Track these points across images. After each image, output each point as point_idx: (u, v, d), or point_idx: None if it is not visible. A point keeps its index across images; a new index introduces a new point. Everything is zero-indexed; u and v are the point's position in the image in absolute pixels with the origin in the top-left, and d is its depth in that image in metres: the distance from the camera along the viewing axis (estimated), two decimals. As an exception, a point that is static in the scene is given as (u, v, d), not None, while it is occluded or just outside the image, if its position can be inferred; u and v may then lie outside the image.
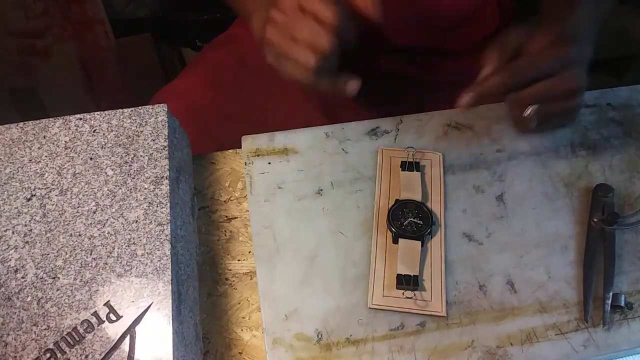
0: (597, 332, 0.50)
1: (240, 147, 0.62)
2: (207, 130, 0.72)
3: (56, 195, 0.50)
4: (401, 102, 0.68)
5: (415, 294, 0.51)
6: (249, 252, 0.56)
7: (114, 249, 0.47)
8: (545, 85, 0.54)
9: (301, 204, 0.57)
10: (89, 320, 0.44)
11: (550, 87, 0.54)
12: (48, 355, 0.43)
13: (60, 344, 0.43)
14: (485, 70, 0.56)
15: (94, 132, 0.54)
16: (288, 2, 0.53)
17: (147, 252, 0.47)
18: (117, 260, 0.47)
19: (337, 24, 0.52)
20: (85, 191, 0.50)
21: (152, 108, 0.55)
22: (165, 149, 0.53)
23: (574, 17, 0.58)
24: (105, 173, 0.51)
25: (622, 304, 0.51)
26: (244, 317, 0.53)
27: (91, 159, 0.52)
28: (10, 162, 0.52)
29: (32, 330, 0.44)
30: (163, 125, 0.54)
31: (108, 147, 0.53)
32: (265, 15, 0.56)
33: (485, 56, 0.57)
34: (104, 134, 0.54)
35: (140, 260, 0.47)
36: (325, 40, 0.51)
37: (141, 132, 0.54)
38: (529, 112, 0.55)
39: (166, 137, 0.53)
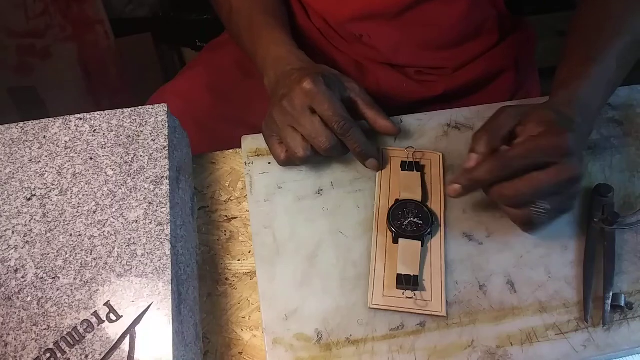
0: (597, 332, 0.50)
1: (239, 147, 0.62)
2: (205, 131, 0.72)
3: (56, 195, 0.50)
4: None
5: (415, 294, 0.51)
6: (249, 252, 0.56)
7: (114, 248, 0.47)
8: (540, 177, 0.48)
9: (301, 204, 0.57)
10: (89, 320, 0.44)
11: (547, 179, 0.48)
12: (48, 355, 0.43)
13: (60, 344, 0.43)
14: (472, 158, 0.51)
15: (94, 132, 0.54)
16: (299, 100, 0.55)
17: (147, 252, 0.47)
18: (117, 260, 0.47)
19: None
20: (85, 191, 0.50)
21: (152, 108, 0.55)
22: (165, 148, 0.53)
23: (578, 95, 0.53)
24: (105, 173, 0.51)
25: (622, 303, 0.51)
26: (244, 317, 0.53)
27: (91, 159, 0.52)
28: (10, 162, 0.52)
29: (32, 330, 0.44)
30: (163, 125, 0.54)
31: (108, 147, 0.53)
32: (276, 92, 0.58)
33: (474, 140, 0.52)
34: (104, 134, 0.54)
35: (140, 260, 0.47)
36: (323, 142, 0.55)
37: (141, 132, 0.54)
38: (536, 211, 0.49)
39: (166, 137, 0.53)
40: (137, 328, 0.44)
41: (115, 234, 0.48)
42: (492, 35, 0.74)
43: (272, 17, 0.67)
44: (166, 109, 0.55)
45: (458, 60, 0.75)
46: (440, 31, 0.72)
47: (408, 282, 0.51)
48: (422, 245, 0.54)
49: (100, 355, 0.43)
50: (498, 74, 0.77)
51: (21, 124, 0.54)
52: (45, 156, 0.52)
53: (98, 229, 0.48)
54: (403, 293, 0.51)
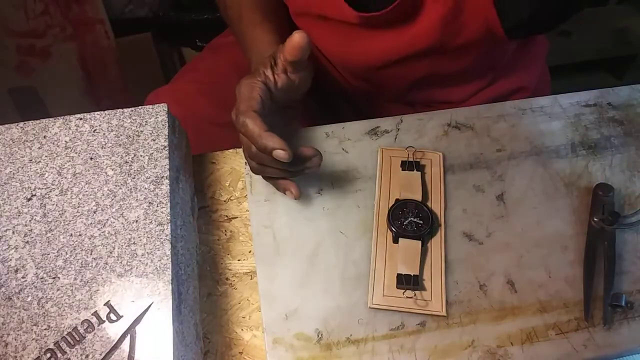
0: (597, 331, 0.50)
1: (239, 147, 0.62)
2: (202, 134, 0.72)
3: (56, 195, 0.50)
4: None
5: (415, 294, 0.51)
6: (249, 251, 0.56)
7: (114, 248, 0.47)
8: None
9: (301, 203, 0.57)
10: (89, 320, 0.44)
11: None
12: (48, 355, 0.43)
13: (61, 344, 0.43)
14: None
15: (94, 132, 0.54)
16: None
17: (147, 252, 0.47)
18: (118, 260, 0.47)
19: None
20: (86, 191, 0.50)
21: (152, 108, 0.55)
22: (165, 148, 0.53)
23: None
24: (106, 173, 0.51)
25: (623, 303, 0.51)
26: (244, 317, 0.53)
27: (91, 158, 0.52)
28: (11, 162, 0.52)
29: (32, 330, 0.44)
30: (163, 125, 0.54)
31: (108, 147, 0.53)
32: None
33: None
34: (104, 134, 0.54)
35: (140, 260, 0.47)
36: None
37: (141, 132, 0.54)
38: None
39: (166, 136, 0.53)
40: (137, 328, 0.44)
41: (115, 234, 0.48)
42: (487, 74, 0.74)
43: (258, 13, 0.66)
44: (166, 109, 0.55)
45: (466, 93, 0.75)
46: (439, 69, 0.71)
47: (408, 282, 0.51)
48: (422, 245, 0.54)
49: (101, 355, 0.43)
50: (514, 92, 0.77)
51: (21, 124, 0.54)
52: (46, 156, 0.52)
53: (98, 229, 0.48)
54: (403, 293, 0.52)
